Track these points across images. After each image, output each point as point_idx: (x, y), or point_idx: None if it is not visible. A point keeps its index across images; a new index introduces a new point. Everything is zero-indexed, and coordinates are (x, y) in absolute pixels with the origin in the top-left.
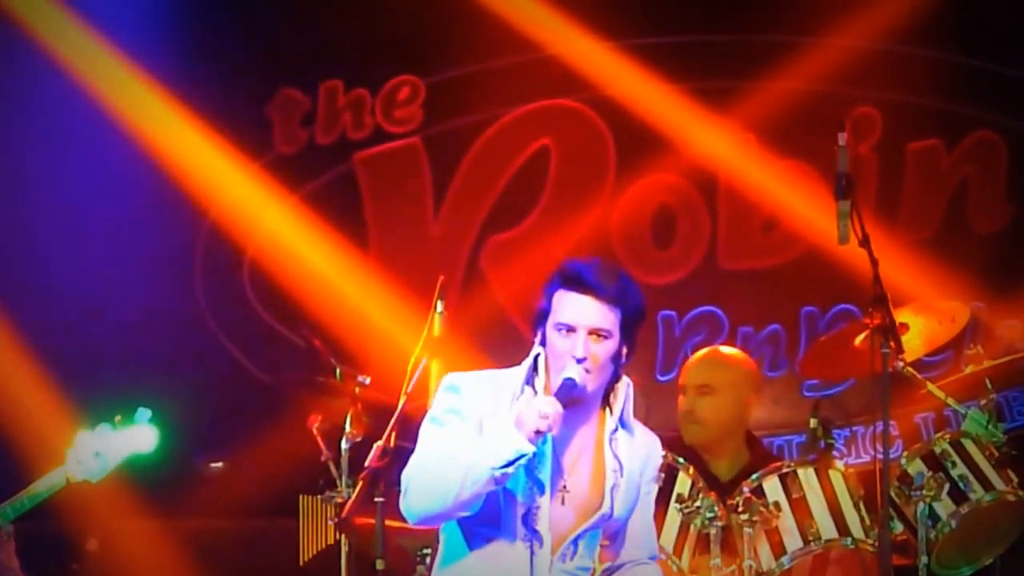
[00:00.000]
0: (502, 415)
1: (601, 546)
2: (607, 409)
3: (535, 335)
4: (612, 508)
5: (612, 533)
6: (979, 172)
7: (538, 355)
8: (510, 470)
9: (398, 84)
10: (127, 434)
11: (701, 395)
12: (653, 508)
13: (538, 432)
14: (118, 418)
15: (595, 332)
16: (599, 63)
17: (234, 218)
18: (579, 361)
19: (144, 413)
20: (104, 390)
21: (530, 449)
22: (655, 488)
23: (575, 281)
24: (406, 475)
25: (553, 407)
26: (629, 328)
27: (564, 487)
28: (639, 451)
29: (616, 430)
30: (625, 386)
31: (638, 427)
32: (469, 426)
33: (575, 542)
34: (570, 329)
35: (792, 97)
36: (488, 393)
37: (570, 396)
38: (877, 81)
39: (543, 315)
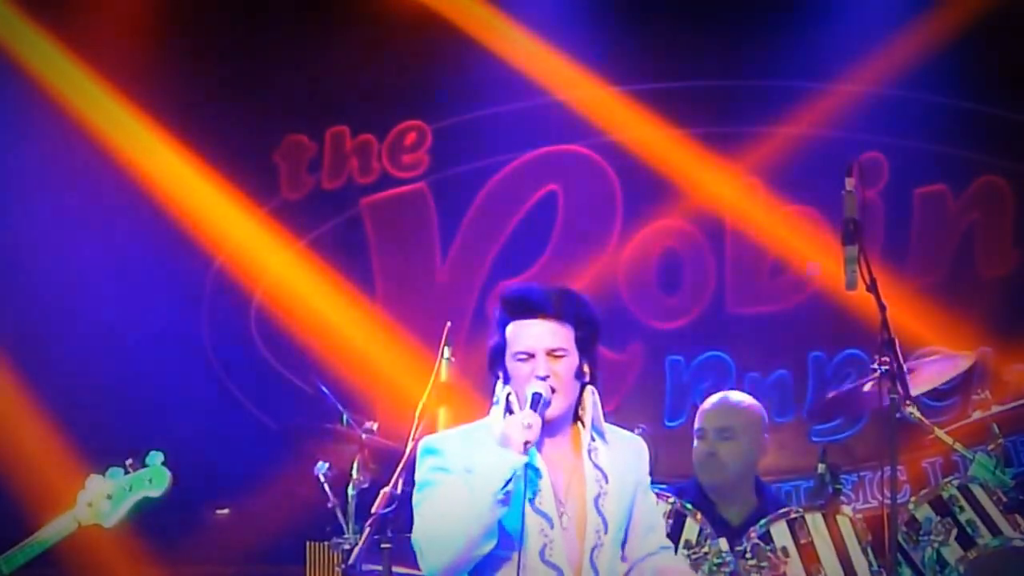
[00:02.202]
0: (486, 453)
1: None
2: (579, 424)
3: (496, 375)
4: (604, 519)
5: (622, 542)
6: (985, 217)
7: (509, 393)
8: (511, 487)
9: (404, 129)
10: (139, 477)
11: (723, 439)
12: (655, 504)
13: (526, 443)
14: (130, 461)
15: (552, 353)
16: (606, 108)
17: (241, 264)
18: (541, 378)
19: (156, 456)
20: (110, 435)
21: (522, 460)
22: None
23: (521, 307)
24: (415, 539)
25: (533, 417)
26: (585, 342)
27: (564, 514)
28: (621, 454)
29: (592, 440)
30: (590, 394)
31: (613, 432)
32: (458, 477)
33: (592, 565)
34: (529, 355)
35: (799, 142)
36: (467, 445)
37: (541, 410)
38: (884, 126)
39: (500, 351)
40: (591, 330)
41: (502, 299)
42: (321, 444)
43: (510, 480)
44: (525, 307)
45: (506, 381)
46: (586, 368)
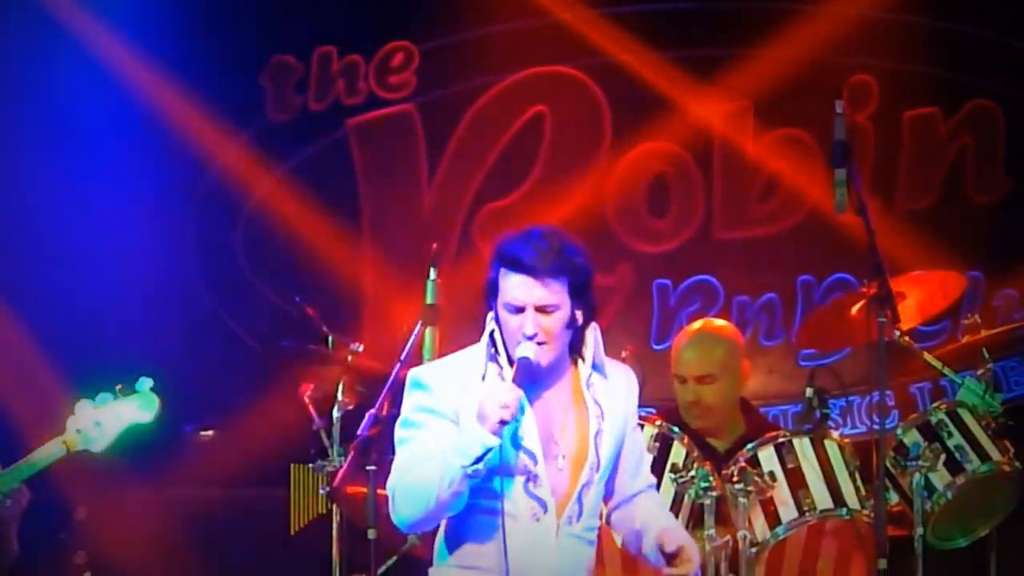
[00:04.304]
0: (474, 399)
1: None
2: (579, 359)
3: (489, 307)
4: (598, 457)
5: (608, 480)
6: (976, 141)
7: (492, 331)
8: (480, 466)
9: (392, 50)
10: (128, 403)
11: (703, 384)
12: (642, 441)
13: (502, 422)
14: (119, 387)
15: (542, 309)
16: (595, 30)
17: (226, 186)
18: (529, 338)
19: (146, 382)
20: (95, 359)
21: (495, 442)
22: (647, 444)
23: (514, 262)
24: (390, 484)
25: (513, 393)
26: (579, 293)
27: (558, 449)
28: (617, 389)
29: (591, 375)
30: (592, 330)
31: (611, 366)
32: (445, 421)
33: (579, 500)
34: (519, 309)
35: (789, 65)
36: (456, 382)
37: (529, 376)
38: (874, 49)
39: (493, 289)
40: (585, 280)
41: (498, 248)
42: (306, 366)
43: (481, 458)
44: (518, 263)
45: (496, 322)
46: (579, 316)
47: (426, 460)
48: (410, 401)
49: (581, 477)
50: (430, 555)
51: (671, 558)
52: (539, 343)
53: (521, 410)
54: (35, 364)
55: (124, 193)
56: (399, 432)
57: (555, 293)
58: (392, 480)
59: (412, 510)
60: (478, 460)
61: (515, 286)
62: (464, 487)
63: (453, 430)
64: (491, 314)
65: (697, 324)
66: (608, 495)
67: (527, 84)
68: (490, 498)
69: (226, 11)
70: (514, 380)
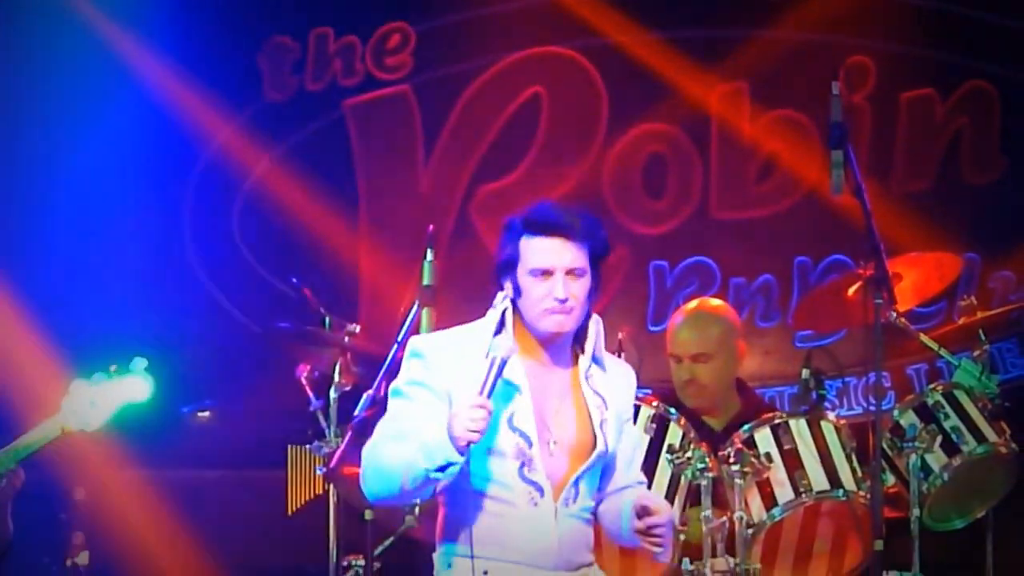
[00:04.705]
0: (472, 377)
1: None
2: (579, 349)
3: (500, 286)
4: (606, 444)
5: (603, 468)
6: (973, 123)
7: (506, 309)
8: (442, 476)
9: (388, 31)
10: (123, 383)
11: (698, 362)
12: (636, 437)
13: (469, 443)
14: (114, 367)
15: (571, 272)
16: (592, 11)
17: (223, 166)
18: (561, 302)
19: (140, 362)
20: (91, 340)
21: (459, 459)
22: (644, 426)
23: (544, 226)
24: (364, 451)
25: (481, 413)
26: (597, 263)
27: (551, 435)
28: (616, 383)
29: (590, 367)
30: (595, 323)
31: (610, 360)
32: (434, 397)
33: (576, 484)
34: (546, 273)
35: (786, 46)
36: (455, 357)
37: (492, 385)
38: (871, 30)
39: (511, 263)
40: (604, 251)
41: (524, 214)
42: (303, 347)
43: (443, 468)
44: (547, 225)
45: (516, 294)
46: (596, 290)
47: (400, 441)
48: (405, 370)
49: (584, 464)
50: (427, 536)
51: (642, 513)
52: (568, 309)
53: (519, 391)
54: (30, 344)
55: (120, 173)
56: (390, 401)
57: (583, 258)
58: (366, 449)
59: (378, 488)
60: (440, 469)
61: (544, 250)
62: (426, 488)
63: (440, 409)
64: (501, 293)
65: (693, 303)
66: (603, 488)
67: (524, 65)
68: (486, 484)
69: None
70: (486, 380)
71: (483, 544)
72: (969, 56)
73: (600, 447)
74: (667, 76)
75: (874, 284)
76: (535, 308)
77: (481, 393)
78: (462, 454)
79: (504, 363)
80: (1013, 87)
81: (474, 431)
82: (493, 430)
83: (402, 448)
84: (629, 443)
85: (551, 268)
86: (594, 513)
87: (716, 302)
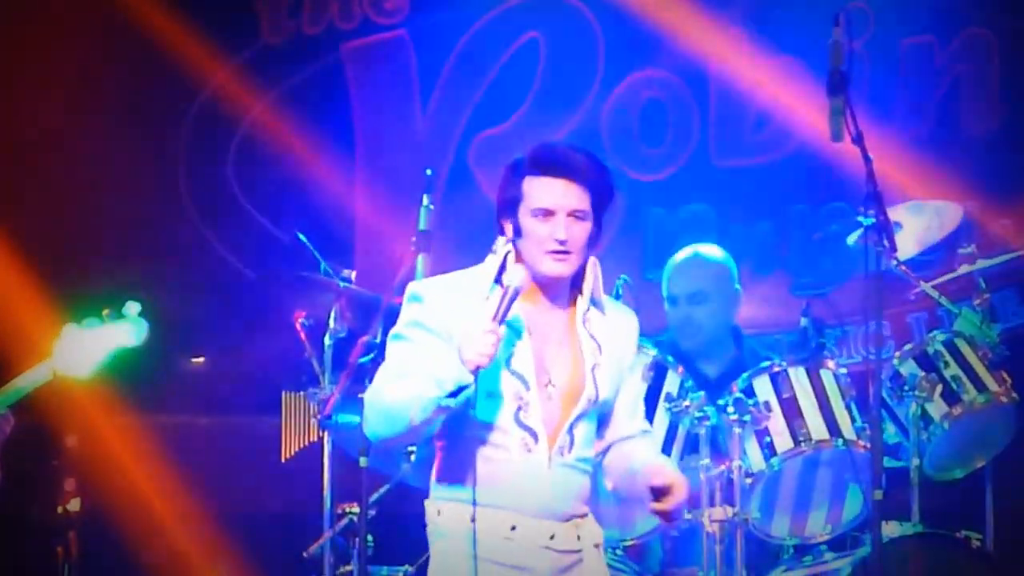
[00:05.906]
0: (470, 321)
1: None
2: (578, 292)
3: (501, 229)
4: (597, 390)
5: (602, 416)
6: (973, 69)
7: (508, 252)
8: (452, 403)
9: None
10: (115, 328)
11: (695, 303)
12: (639, 385)
13: (478, 367)
14: (106, 311)
15: (573, 214)
16: None
17: (220, 110)
18: (561, 243)
19: (133, 307)
20: (87, 284)
21: (470, 380)
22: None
23: (549, 165)
24: (367, 396)
25: (491, 339)
26: (600, 207)
27: (549, 379)
28: (616, 327)
29: (588, 310)
30: (593, 265)
31: (610, 304)
32: (435, 338)
33: (570, 432)
34: (548, 213)
35: None
36: (454, 300)
37: (504, 314)
38: None
39: (513, 203)
40: (607, 197)
41: (530, 152)
42: (298, 293)
43: (455, 394)
44: (552, 165)
45: (516, 235)
46: (597, 237)
47: (404, 379)
48: (404, 314)
49: (575, 409)
50: (421, 484)
51: (659, 493)
52: (566, 253)
53: (518, 334)
54: (21, 287)
55: (115, 116)
56: (388, 345)
57: (586, 200)
58: (369, 393)
59: (383, 428)
60: (452, 395)
61: (548, 189)
62: (436, 416)
63: (441, 348)
64: (502, 238)
65: (689, 247)
66: (602, 437)
67: (520, 9)
68: (482, 429)
69: None
70: (499, 308)
71: (473, 490)
72: (969, 3)
73: (590, 392)
74: (665, 21)
75: (874, 232)
76: (535, 249)
77: (494, 319)
78: (474, 375)
79: (517, 293)
80: (1012, 34)
81: (484, 354)
82: (492, 372)
83: (408, 384)
84: (632, 390)
85: (554, 208)
86: (596, 464)
87: (713, 246)
